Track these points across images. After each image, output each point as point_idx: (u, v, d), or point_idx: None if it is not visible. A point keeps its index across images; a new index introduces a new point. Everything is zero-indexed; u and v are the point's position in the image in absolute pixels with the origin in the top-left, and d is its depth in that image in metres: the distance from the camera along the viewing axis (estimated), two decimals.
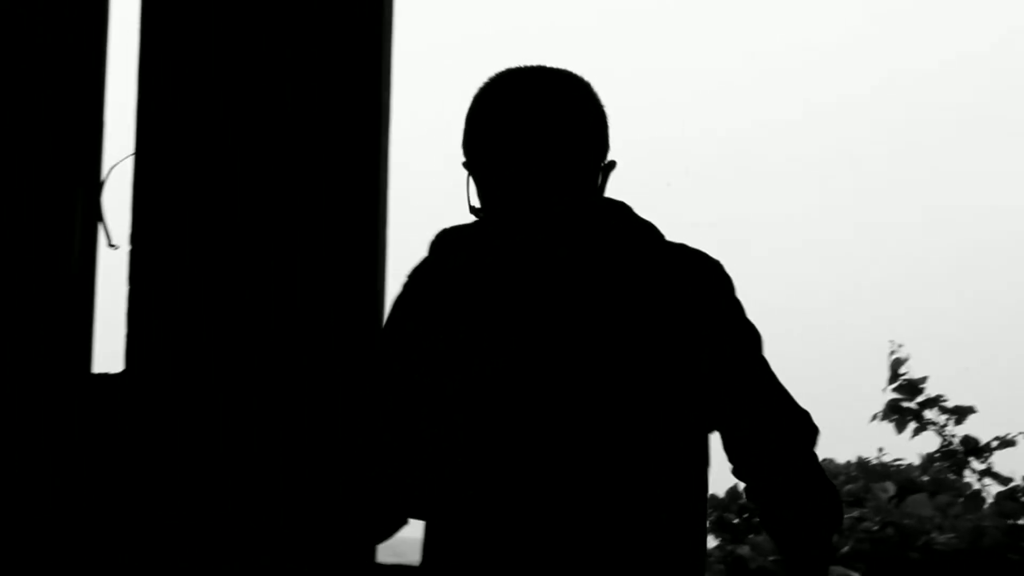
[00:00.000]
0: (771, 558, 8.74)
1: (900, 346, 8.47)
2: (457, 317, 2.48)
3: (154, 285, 3.80)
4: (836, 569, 3.54)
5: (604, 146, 2.53)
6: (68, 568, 3.58)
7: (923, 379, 8.53)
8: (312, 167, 3.83)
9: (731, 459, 2.62)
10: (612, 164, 2.55)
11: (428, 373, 2.48)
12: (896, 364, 8.57)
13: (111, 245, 3.95)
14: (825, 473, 2.61)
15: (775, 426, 2.57)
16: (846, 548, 8.42)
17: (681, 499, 2.52)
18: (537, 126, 2.46)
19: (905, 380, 8.57)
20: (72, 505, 3.69)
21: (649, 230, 2.58)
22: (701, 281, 2.56)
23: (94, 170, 4.01)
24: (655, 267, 2.53)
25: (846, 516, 9.55)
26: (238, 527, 3.72)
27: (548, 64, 2.54)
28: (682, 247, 2.58)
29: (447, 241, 2.57)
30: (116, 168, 3.97)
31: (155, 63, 3.90)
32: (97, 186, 3.97)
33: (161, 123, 3.88)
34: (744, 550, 9.86)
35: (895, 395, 8.66)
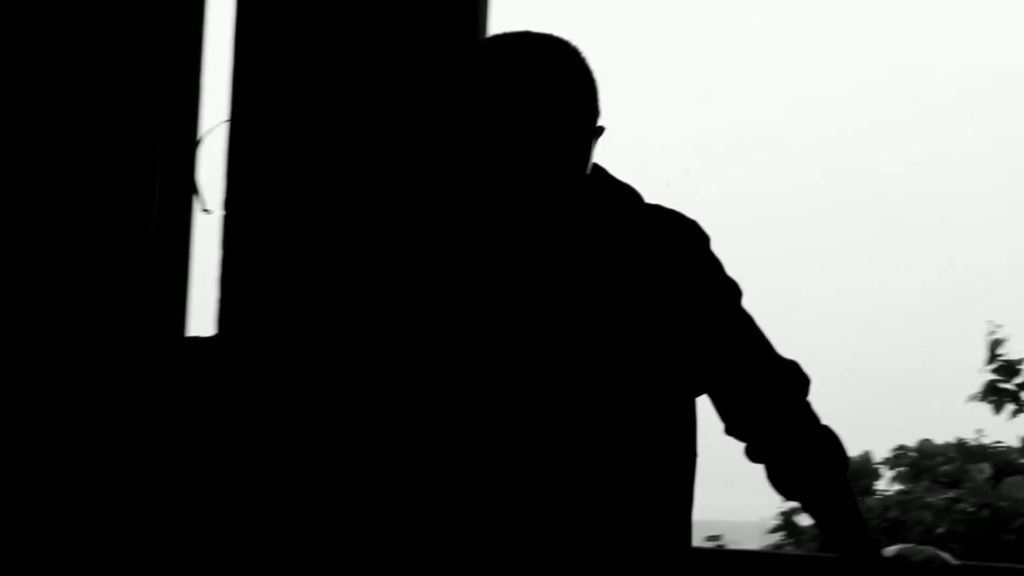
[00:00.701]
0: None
1: (999, 327, 8.41)
2: (439, 283, 2.49)
3: (246, 250, 3.83)
4: (926, 549, 3.51)
5: (594, 112, 2.51)
6: (163, 529, 3.62)
7: (1021, 360, 8.47)
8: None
9: (723, 418, 2.62)
10: (600, 130, 2.53)
11: (411, 343, 2.49)
12: (994, 345, 8.50)
13: (205, 210, 3.98)
14: (820, 420, 2.61)
15: (764, 379, 2.57)
16: (941, 529, 8.37)
17: (670, 466, 2.51)
18: (526, 92, 2.45)
19: (1003, 361, 8.50)
20: (165, 470, 3.72)
21: (628, 192, 2.58)
22: (678, 240, 2.56)
23: (187, 133, 4.04)
24: (633, 228, 2.52)
25: (942, 497, 9.48)
26: (326, 489, 3.75)
27: (535, 30, 2.54)
28: (658, 208, 2.58)
29: (428, 211, 2.60)
30: (210, 134, 4.00)
31: (251, 26, 3.92)
32: (192, 151, 4.01)
33: (256, 88, 3.90)
34: None
35: (993, 376, 8.59)
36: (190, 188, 4.01)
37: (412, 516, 2.41)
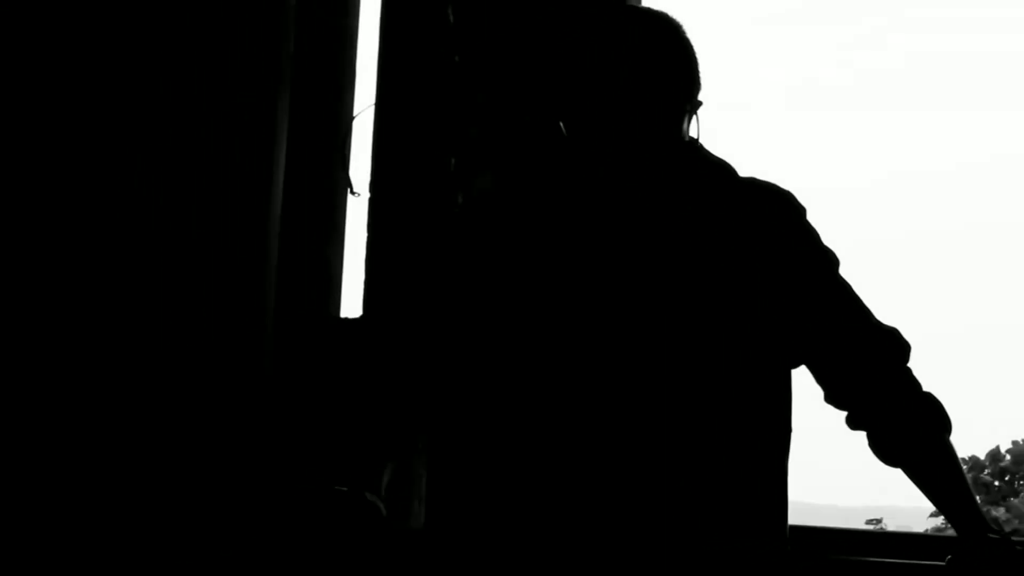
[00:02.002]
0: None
1: None
2: (520, 241, 2.52)
3: (392, 233, 3.87)
4: None
5: (690, 85, 2.56)
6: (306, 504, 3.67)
7: None
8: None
9: (824, 387, 2.60)
10: (697, 103, 2.59)
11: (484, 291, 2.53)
12: None
13: (353, 192, 4.03)
14: (920, 386, 2.58)
15: (863, 346, 2.56)
16: None
17: (763, 437, 2.49)
18: (623, 64, 2.52)
19: None
20: (311, 448, 3.77)
21: (722, 167, 2.59)
22: (773, 211, 2.57)
23: (340, 118, 4.10)
24: (727, 201, 2.53)
25: None
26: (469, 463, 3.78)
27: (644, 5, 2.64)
28: (752, 180, 2.60)
29: (520, 169, 2.65)
30: (360, 117, 4.05)
31: (399, 13, 3.97)
32: (344, 135, 4.06)
33: (403, 72, 3.94)
34: (999, 512, 9.64)
35: None
36: (341, 171, 4.06)
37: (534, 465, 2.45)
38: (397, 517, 3.70)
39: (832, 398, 2.58)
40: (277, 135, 2.95)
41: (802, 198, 2.52)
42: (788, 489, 2.52)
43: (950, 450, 2.55)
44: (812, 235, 2.56)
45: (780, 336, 2.51)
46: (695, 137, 2.57)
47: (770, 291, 2.50)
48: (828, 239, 2.55)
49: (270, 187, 2.93)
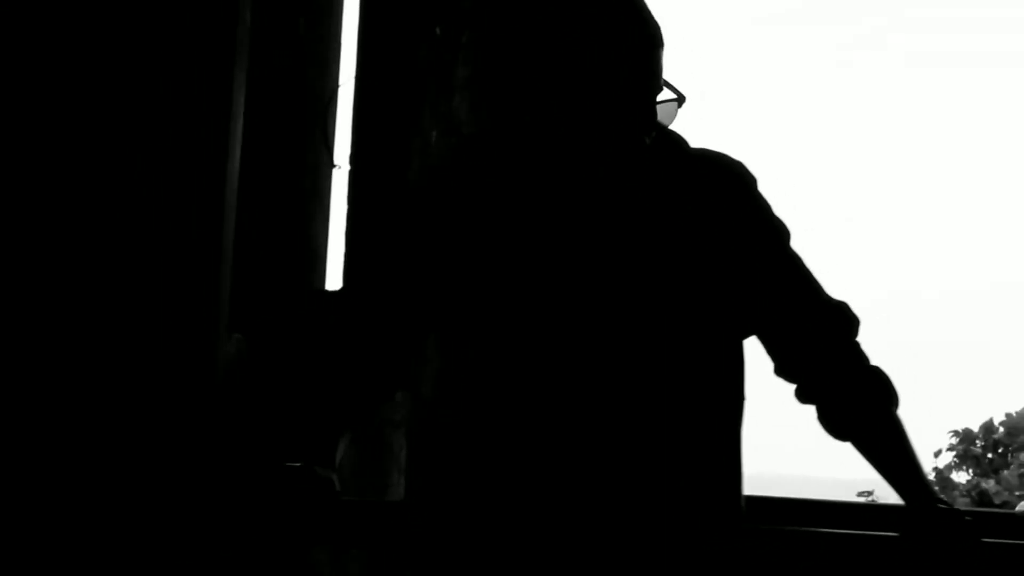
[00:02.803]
0: (1017, 493, 8.55)
1: None
2: (489, 210, 2.51)
3: (373, 206, 3.88)
4: None
5: (646, 76, 2.51)
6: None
7: None
8: None
9: (773, 358, 2.60)
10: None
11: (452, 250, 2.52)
12: None
13: (333, 165, 4.03)
14: (868, 360, 2.58)
15: (811, 319, 2.56)
16: None
17: (717, 406, 2.49)
18: (580, 54, 2.51)
19: None
20: (269, 424, 3.77)
21: (675, 140, 2.58)
22: (725, 183, 2.55)
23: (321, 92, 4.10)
24: (681, 174, 2.52)
25: None
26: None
27: None
28: (703, 151, 2.58)
29: (486, 140, 2.61)
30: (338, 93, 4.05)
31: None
32: (323, 108, 4.06)
33: (383, 45, 3.94)
34: (990, 484, 9.67)
35: None
36: (323, 144, 4.06)
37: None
38: (375, 489, 3.72)
39: (781, 370, 2.58)
40: (233, 108, 2.93)
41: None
42: (742, 457, 2.53)
43: (897, 423, 2.55)
44: (763, 207, 2.55)
45: (732, 308, 2.50)
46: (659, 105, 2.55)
47: (722, 263, 2.49)
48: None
49: (225, 162, 2.92)
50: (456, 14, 3.98)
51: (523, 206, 2.49)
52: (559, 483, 2.41)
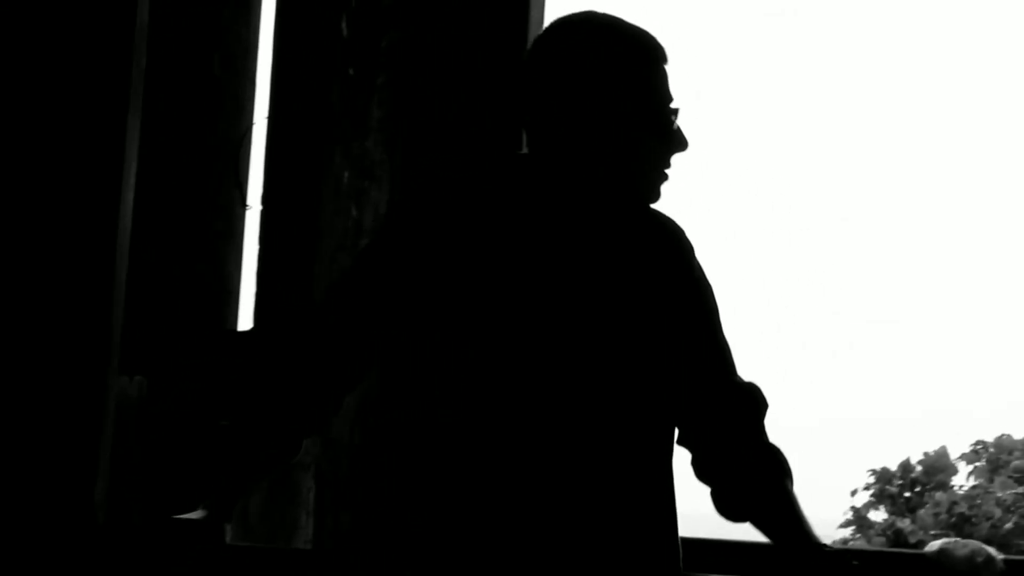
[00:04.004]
0: (932, 532, 8.62)
1: None
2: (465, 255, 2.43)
3: (284, 246, 3.86)
4: (971, 543, 3.49)
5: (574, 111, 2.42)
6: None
7: None
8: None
9: (679, 427, 2.56)
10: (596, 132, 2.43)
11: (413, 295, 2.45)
12: None
13: (244, 205, 4.02)
14: (767, 438, 2.58)
15: (725, 397, 2.55)
16: (1009, 524, 8.28)
17: (661, 446, 2.48)
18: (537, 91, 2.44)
19: None
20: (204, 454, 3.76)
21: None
22: (675, 247, 2.52)
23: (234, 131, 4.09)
24: (641, 232, 2.48)
25: (1011, 492, 9.39)
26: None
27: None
28: (656, 213, 2.52)
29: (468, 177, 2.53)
30: (252, 130, 4.04)
31: (293, 26, 3.97)
32: (235, 148, 4.05)
33: (296, 85, 3.94)
34: (905, 523, 9.75)
35: None
36: (235, 184, 4.05)
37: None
38: (283, 532, 3.70)
39: (684, 439, 2.57)
40: (126, 154, 2.92)
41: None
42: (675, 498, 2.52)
43: (792, 497, 2.54)
44: (702, 278, 2.54)
45: (669, 362, 2.48)
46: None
47: (664, 321, 2.46)
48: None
49: (117, 205, 2.90)
50: (371, 55, 3.98)
51: (500, 255, 2.43)
52: (528, 510, 2.39)
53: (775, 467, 2.56)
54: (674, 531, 2.49)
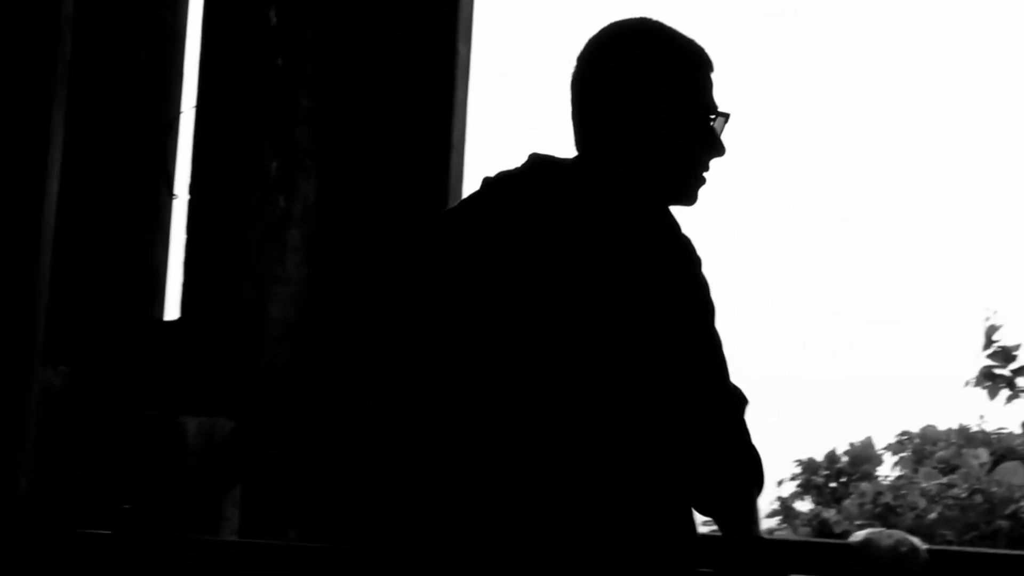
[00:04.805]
0: (857, 522, 8.71)
1: (994, 312, 8.41)
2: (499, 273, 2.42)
3: (211, 235, 3.85)
4: (895, 533, 3.51)
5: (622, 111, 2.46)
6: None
7: (1017, 346, 8.46)
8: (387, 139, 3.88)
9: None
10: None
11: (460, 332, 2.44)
12: (990, 331, 8.49)
13: (171, 194, 4.01)
14: (750, 439, 2.60)
15: (717, 400, 2.57)
16: (933, 514, 8.35)
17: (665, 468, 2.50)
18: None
19: (999, 347, 8.49)
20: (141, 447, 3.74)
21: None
22: (684, 256, 2.54)
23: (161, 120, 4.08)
24: (654, 241, 2.50)
25: (935, 483, 9.47)
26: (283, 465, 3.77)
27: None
28: (673, 223, 2.55)
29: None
30: (179, 120, 4.03)
31: (221, 14, 3.96)
32: (162, 137, 4.03)
33: (224, 74, 3.92)
34: (830, 513, 9.84)
35: (989, 362, 8.60)
36: (162, 174, 4.03)
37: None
38: (210, 523, 3.69)
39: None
40: (51, 141, 2.90)
41: None
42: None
43: (755, 510, 2.56)
44: (704, 285, 2.56)
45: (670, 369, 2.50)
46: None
47: (667, 330, 2.48)
48: None
49: (42, 196, 2.89)
50: (300, 45, 3.97)
51: (524, 262, 2.43)
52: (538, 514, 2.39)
53: (749, 473, 2.57)
54: (682, 532, 2.50)
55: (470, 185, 4.07)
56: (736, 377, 2.64)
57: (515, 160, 2.48)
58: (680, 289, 2.52)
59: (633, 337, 2.42)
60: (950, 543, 7.46)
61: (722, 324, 2.62)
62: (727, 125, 2.49)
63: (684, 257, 2.56)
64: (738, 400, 2.62)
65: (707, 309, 2.60)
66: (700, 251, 2.58)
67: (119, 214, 4.06)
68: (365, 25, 4.02)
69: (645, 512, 2.42)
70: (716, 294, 2.62)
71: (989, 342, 8.35)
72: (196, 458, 3.62)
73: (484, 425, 2.37)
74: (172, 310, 3.99)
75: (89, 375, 3.82)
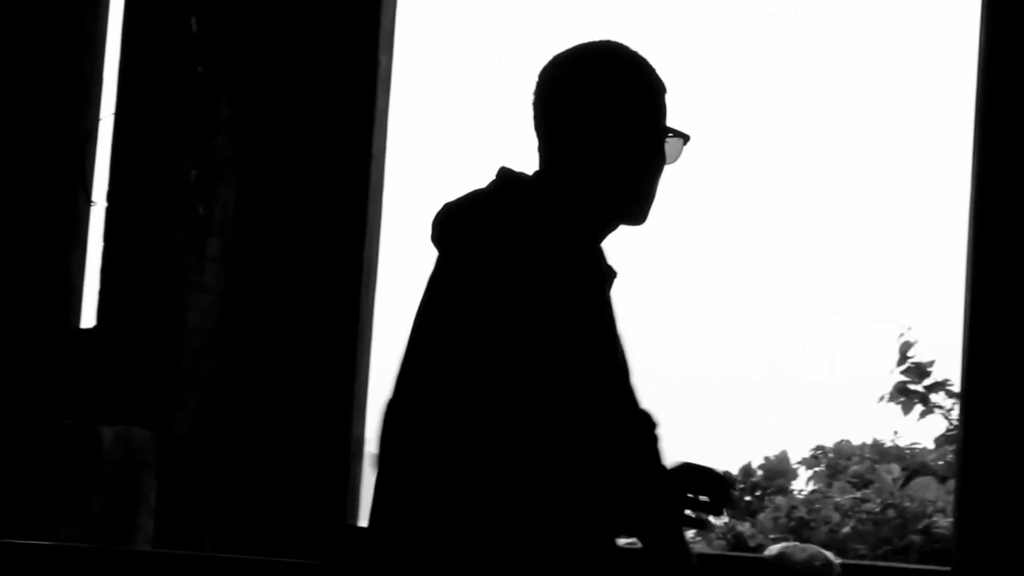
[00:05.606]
0: (771, 536, 8.75)
1: (909, 329, 8.46)
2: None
3: (129, 243, 3.83)
4: (809, 547, 3.54)
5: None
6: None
7: (931, 363, 8.51)
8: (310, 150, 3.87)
9: None
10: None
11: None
12: (905, 347, 8.55)
13: (89, 202, 3.98)
14: (659, 459, 2.62)
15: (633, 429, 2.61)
16: (847, 528, 8.39)
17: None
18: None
19: (912, 363, 8.54)
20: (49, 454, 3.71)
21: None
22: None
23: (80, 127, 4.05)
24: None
25: (849, 497, 9.53)
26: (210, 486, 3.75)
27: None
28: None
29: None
30: (98, 127, 4.01)
31: (142, 21, 3.94)
32: (81, 144, 4.01)
33: (144, 81, 3.91)
34: (745, 527, 9.89)
35: (903, 378, 8.65)
36: (79, 181, 4.01)
37: None
38: (124, 531, 3.66)
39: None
40: None
41: None
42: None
43: (669, 525, 2.58)
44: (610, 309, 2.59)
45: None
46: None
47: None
48: None
49: None
50: (221, 53, 3.96)
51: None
52: None
53: (659, 492, 2.59)
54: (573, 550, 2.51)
55: (390, 195, 4.09)
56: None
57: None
58: (585, 313, 2.53)
59: (523, 363, 2.43)
60: (863, 557, 7.50)
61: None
62: (685, 147, 2.55)
63: (595, 278, 2.58)
64: (648, 422, 2.64)
65: (613, 333, 2.61)
66: (616, 265, 2.59)
67: (36, 221, 4.04)
68: (287, 34, 4.02)
69: (491, 532, 2.43)
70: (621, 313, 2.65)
71: (904, 358, 8.39)
72: (113, 467, 3.60)
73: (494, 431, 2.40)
74: (89, 318, 3.96)
75: (4, 383, 3.78)
